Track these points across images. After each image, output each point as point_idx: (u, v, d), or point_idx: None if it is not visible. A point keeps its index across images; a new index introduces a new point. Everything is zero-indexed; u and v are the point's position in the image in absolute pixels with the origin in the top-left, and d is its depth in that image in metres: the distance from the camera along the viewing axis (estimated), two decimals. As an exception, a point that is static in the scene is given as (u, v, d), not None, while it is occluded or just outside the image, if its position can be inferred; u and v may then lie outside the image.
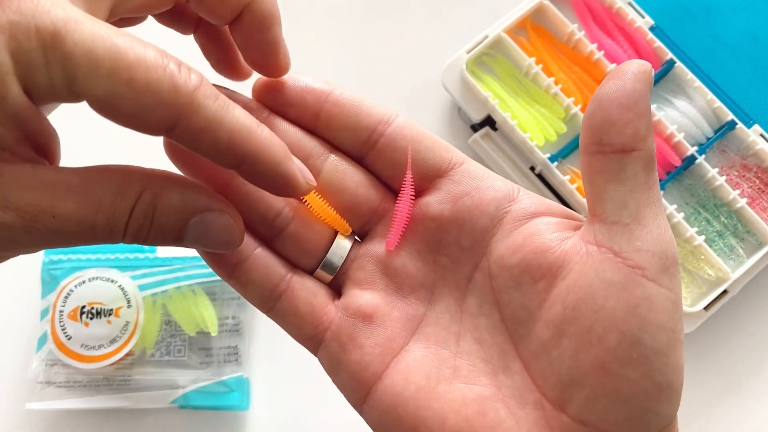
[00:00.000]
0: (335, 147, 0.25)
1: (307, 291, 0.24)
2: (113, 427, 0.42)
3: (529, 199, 0.25)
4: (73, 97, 0.19)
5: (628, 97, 0.22)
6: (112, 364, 0.40)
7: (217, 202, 0.22)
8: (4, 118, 0.18)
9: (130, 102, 0.19)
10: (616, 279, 0.21)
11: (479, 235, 0.24)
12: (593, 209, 0.23)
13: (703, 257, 0.41)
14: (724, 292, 0.41)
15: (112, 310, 0.41)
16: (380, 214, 0.25)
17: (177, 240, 0.22)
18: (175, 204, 0.21)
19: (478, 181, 0.25)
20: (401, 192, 0.25)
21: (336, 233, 0.25)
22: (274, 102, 0.25)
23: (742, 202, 0.41)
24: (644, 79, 0.22)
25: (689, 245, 0.41)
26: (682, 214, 0.41)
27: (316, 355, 0.25)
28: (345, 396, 0.24)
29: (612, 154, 0.22)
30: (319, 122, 0.25)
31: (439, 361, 0.24)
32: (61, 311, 0.40)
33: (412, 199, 0.25)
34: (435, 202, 0.25)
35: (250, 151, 0.20)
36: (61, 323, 0.40)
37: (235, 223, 0.22)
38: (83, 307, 0.41)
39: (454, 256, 0.25)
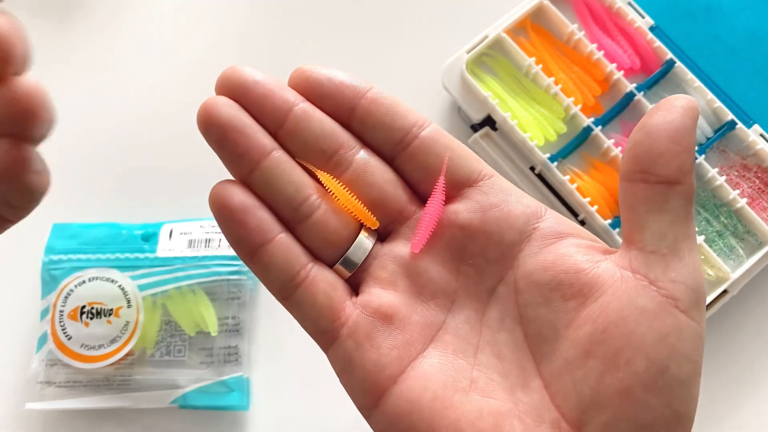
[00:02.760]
0: (367, 144, 0.25)
1: (327, 283, 0.24)
2: (113, 427, 0.42)
3: (556, 218, 0.25)
4: None
5: (676, 130, 0.22)
6: (112, 364, 0.40)
7: None
8: None
9: None
10: (649, 306, 0.22)
11: (507, 249, 0.24)
12: (630, 237, 0.23)
13: (703, 257, 0.41)
14: (724, 292, 0.41)
15: (112, 310, 0.41)
16: (406, 215, 0.25)
17: None
18: None
19: (507, 195, 0.25)
20: (432, 195, 0.24)
21: (360, 228, 0.25)
22: (311, 92, 0.25)
23: (742, 202, 0.41)
24: (692, 114, 0.22)
25: (689, 245, 0.41)
26: (682, 214, 0.41)
27: (327, 351, 0.24)
28: (353, 398, 0.24)
29: (656, 185, 0.22)
30: (354, 117, 0.25)
31: (456, 370, 0.23)
32: (61, 311, 0.40)
33: (443, 205, 0.25)
34: (464, 210, 0.25)
35: None
36: (61, 323, 0.40)
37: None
38: (83, 307, 0.41)
39: (479, 267, 0.25)
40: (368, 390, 0.23)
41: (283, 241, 0.24)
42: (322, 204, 0.24)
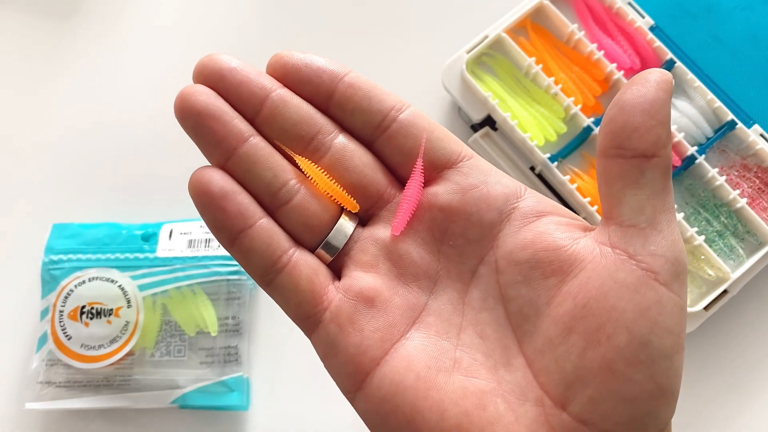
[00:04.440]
0: (345, 129, 0.25)
1: (309, 268, 0.24)
2: (113, 427, 0.42)
3: (536, 197, 0.25)
4: None
5: (650, 103, 0.22)
6: (112, 364, 0.40)
7: None
8: None
9: None
10: (629, 280, 0.22)
11: (486, 229, 0.24)
12: (609, 212, 0.23)
13: (703, 257, 0.41)
14: (724, 292, 0.41)
15: (112, 310, 0.41)
16: (386, 199, 0.25)
17: None
18: None
19: (486, 175, 0.25)
20: (411, 178, 0.24)
21: (341, 213, 0.25)
22: (289, 78, 0.25)
23: (742, 202, 0.41)
24: (666, 87, 0.22)
25: (689, 245, 0.41)
26: (682, 214, 0.41)
27: (310, 336, 0.24)
28: (337, 382, 0.24)
29: (632, 159, 0.22)
30: (332, 102, 0.25)
31: (439, 351, 0.24)
32: (61, 311, 0.40)
33: (422, 187, 0.25)
34: (444, 191, 0.25)
35: None
36: (61, 323, 0.40)
37: None
38: (83, 307, 0.41)
39: (460, 248, 0.25)
40: (351, 373, 0.23)
41: (264, 226, 0.24)
42: (301, 189, 0.24)
